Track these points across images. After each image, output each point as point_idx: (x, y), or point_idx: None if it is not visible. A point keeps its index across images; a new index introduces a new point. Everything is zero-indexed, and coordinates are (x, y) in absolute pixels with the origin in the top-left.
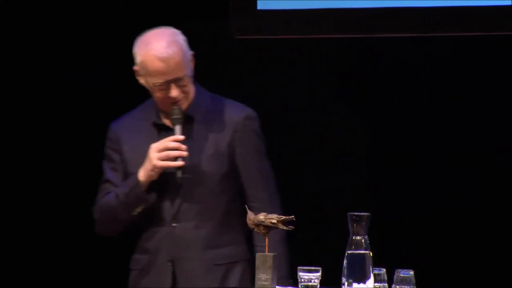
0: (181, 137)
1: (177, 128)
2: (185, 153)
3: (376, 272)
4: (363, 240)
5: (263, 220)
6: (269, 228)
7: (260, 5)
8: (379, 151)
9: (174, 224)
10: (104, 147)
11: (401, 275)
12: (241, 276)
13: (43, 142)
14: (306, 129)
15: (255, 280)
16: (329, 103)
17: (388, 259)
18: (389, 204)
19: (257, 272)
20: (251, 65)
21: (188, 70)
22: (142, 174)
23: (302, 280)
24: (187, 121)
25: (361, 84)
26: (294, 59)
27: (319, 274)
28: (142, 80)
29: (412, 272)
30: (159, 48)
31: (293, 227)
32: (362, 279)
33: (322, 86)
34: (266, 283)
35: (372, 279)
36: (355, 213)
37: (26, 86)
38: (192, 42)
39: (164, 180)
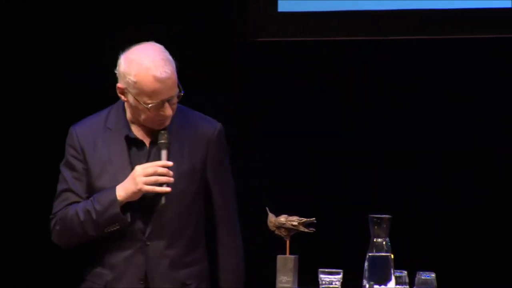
0: (170, 163)
1: (164, 152)
2: (172, 179)
3: (397, 274)
4: (384, 243)
5: (284, 222)
6: (290, 230)
7: (281, 7)
8: (400, 152)
9: (147, 243)
10: (64, 151)
11: (423, 277)
12: None
13: (43, 142)
14: (326, 130)
15: (276, 283)
16: (347, 104)
17: (409, 261)
18: (410, 206)
19: (278, 274)
20: (270, 67)
21: (178, 87)
22: (122, 195)
23: (323, 282)
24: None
25: (381, 86)
26: (313, 61)
27: (340, 276)
28: (129, 99)
29: (433, 275)
30: (158, 68)
31: (314, 229)
32: (383, 281)
33: (341, 87)
34: (287, 285)
35: (393, 281)
36: (376, 215)
37: (26, 86)
38: (209, 44)
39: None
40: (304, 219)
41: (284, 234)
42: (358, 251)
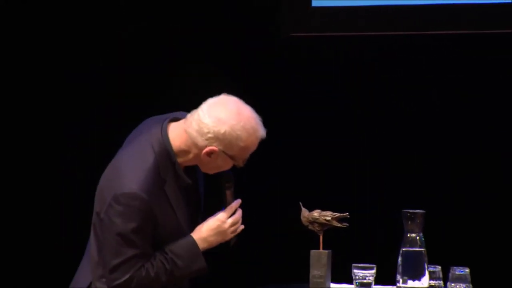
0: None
1: (230, 194)
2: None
3: (431, 269)
4: (418, 238)
5: (318, 217)
6: (323, 225)
7: (315, 2)
8: (442, 147)
9: None
10: (134, 219)
11: (457, 272)
12: None
13: (43, 141)
14: (359, 126)
15: (310, 278)
16: (384, 99)
17: (443, 257)
18: (444, 201)
19: (311, 269)
20: (303, 62)
21: None
22: (204, 247)
23: (357, 277)
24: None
25: (415, 81)
26: (347, 56)
27: (373, 271)
28: (219, 158)
29: (468, 270)
30: (261, 130)
31: (348, 224)
32: (417, 276)
33: (376, 81)
34: (321, 280)
35: (427, 276)
36: (410, 211)
37: (26, 86)
38: (243, 40)
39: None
40: (338, 214)
41: (317, 229)
42: (391, 246)
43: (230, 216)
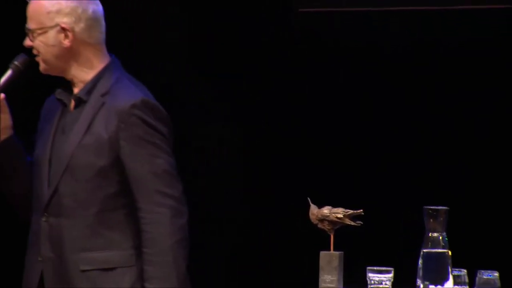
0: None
1: (7, 74)
2: None
3: (455, 273)
4: (440, 237)
5: (328, 214)
6: (334, 223)
7: None
8: (459, 141)
9: (43, 219)
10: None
11: (484, 276)
12: (123, 285)
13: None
14: (375, 113)
15: (319, 282)
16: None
17: (469, 259)
18: (470, 196)
19: (321, 273)
20: (313, 38)
21: (37, 24)
22: None
23: (372, 282)
24: (79, 104)
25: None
26: (357, 33)
27: (391, 275)
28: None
29: (497, 274)
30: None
31: (362, 223)
32: (440, 281)
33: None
34: (332, 285)
35: (451, 281)
36: (432, 207)
37: (26, 86)
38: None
39: (37, 161)
40: (350, 211)
41: (327, 227)
42: (411, 247)
43: None
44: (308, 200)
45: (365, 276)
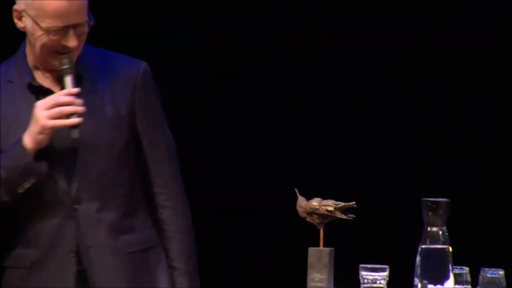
0: (75, 90)
1: (68, 79)
2: (81, 109)
3: (456, 271)
4: (440, 232)
5: (317, 207)
6: (324, 217)
7: None
8: (462, 134)
9: (75, 206)
10: None
11: (488, 275)
12: (162, 264)
13: None
14: (368, 98)
15: (307, 281)
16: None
17: (472, 256)
18: (472, 188)
19: (309, 271)
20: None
21: (88, 15)
22: (28, 140)
23: (365, 281)
24: (78, 84)
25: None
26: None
27: (386, 273)
28: (27, 22)
29: (502, 272)
30: None
31: (354, 216)
32: (439, 279)
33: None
34: (321, 284)
35: (451, 279)
36: (431, 199)
37: None
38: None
39: (54, 152)
40: (342, 204)
41: (317, 221)
42: (408, 242)
43: None
44: (295, 192)
45: (357, 274)
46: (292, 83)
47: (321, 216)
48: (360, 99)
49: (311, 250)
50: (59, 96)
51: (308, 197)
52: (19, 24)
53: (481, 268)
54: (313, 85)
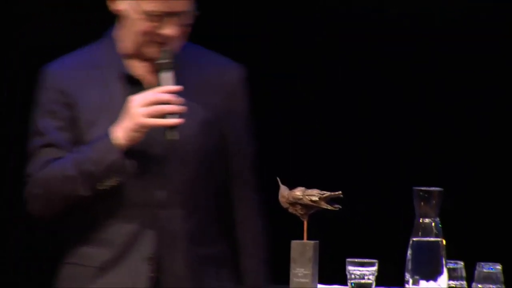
0: (177, 88)
1: (168, 75)
2: (181, 108)
3: (451, 266)
4: (433, 224)
5: (301, 197)
6: (308, 207)
7: None
8: (464, 110)
9: (159, 212)
10: (37, 97)
11: (485, 270)
12: (231, 283)
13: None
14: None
15: (290, 276)
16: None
17: (467, 249)
18: (467, 177)
19: (292, 266)
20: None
21: (192, 5)
22: (120, 136)
23: (353, 276)
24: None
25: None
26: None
27: (374, 268)
28: (125, 4)
29: (499, 267)
30: None
31: (340, 207)
32: (432, 274)
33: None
34: (305, 280)
35: (445, 274)
36: (423, 188)
37: (26, 86)
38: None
39: (143, 151)
40: (327, 193)
41: (300, 212)
42: (398, 235)
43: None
44: (277, 180)
45: (344, 269)
46: (292, 83)
47: (305, 206)
48: (360, 99)
49: (294, 243)
50: (158, 92)
51: (291, 187)
52: (113, 6)
53: (477, 263)
54: (313, 85)
